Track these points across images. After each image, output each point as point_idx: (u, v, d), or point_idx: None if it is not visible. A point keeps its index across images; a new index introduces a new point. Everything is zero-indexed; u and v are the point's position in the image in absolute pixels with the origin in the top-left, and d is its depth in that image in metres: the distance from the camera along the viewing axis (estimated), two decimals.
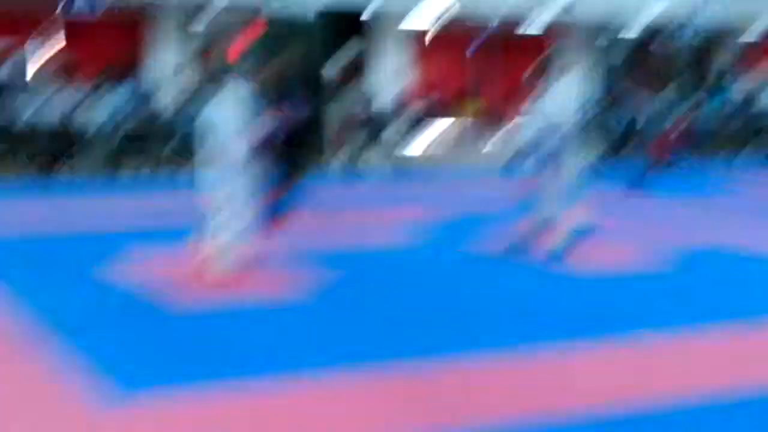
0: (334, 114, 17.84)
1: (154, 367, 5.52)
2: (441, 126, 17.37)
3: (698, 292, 7.71)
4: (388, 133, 17.12)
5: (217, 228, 7.77)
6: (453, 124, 17.47)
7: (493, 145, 12.89)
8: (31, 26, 17.93)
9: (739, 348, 6.13)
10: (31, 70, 16.41)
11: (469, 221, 10.79)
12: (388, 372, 5.44)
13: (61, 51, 18.04)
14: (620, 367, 5.67)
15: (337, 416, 4.76)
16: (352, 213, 11.79)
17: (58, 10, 14.50)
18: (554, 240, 8.62)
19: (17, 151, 14.15)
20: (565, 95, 8.62)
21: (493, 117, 20.34)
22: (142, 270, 8.14)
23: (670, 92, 25.36)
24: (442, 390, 5.16)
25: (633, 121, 17.30)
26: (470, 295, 7.48)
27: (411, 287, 7.81)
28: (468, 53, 21.72)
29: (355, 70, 20.46)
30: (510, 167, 9.00)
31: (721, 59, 23.52)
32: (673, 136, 15.88)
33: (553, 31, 22.15)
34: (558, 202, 8.74)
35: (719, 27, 21.99)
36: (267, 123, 9.56)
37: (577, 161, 8.70)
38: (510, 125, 8.92)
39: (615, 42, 24.81)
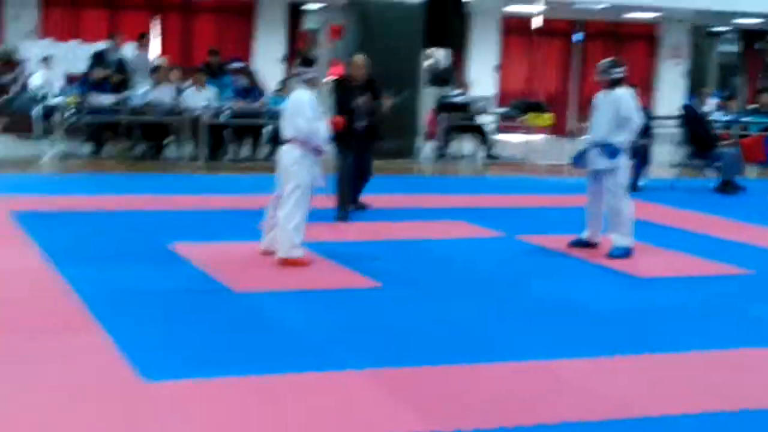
0: (430, 98, 17.77)
1: (210, 348, 5.53)
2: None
3: None
4: (483, 121, 17.00)
5: (285, 214, 7.69)
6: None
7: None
8: (153, 9, 18.63)
9: None
10: (151, 55, 16.84)
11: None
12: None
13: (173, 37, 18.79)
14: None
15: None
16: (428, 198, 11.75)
17: None
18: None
19: (132, 128, 14.54)
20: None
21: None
22: (213, 250, 8.19)
23: None
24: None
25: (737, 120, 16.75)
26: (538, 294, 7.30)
27: (479, 278, 7.66)
28: (574, 41, 21.46)
29: (455, 55, 20.40)
30: (581, 158, 8.73)
31: None
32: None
33: (659, 24, 21.77)
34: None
35: None
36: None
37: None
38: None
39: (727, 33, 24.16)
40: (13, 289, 6.73)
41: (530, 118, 16.92)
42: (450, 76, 20.94)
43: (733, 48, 24.17)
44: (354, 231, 9.50)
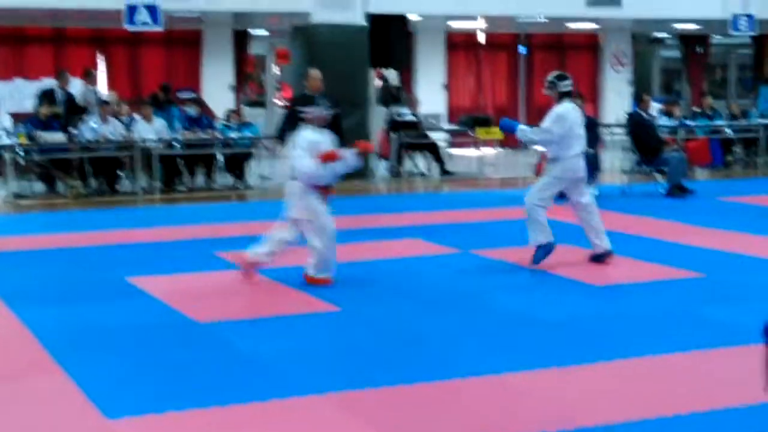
0: (381, 117, 17.91)
1: (174, 382, 5.54)
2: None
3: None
4: (435, 138, 17.14)
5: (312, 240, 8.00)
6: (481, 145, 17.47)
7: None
8: (98, 44, 18.57)
9: None
10: (99, 88, 16.81)
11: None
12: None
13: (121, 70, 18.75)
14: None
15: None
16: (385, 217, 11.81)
17: (124, 25, 14.76)
18: None
19: (83, 164, 14.45)
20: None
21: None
22: (173, 282, 8.20)
23: (724, 91, 25.06)
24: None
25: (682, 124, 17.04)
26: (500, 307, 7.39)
27: (437, 296, 7.75)
28: (519, 53, 21.69)
29: (403, 74, 20.57)
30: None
31: None
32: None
33: (602, 34, 22.09)
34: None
35: None
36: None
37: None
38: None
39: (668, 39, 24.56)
40: None
41: (480, 132, 17.08)
42: (399, 94, 21.15)
43: (675, 53, 24.57)
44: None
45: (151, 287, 7.93)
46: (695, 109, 18.86)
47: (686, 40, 23.38)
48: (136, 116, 15.24)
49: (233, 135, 15.17)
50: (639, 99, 15.08)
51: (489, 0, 17.42)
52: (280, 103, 21.20)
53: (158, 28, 15.17)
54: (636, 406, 5.03)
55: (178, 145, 14.80)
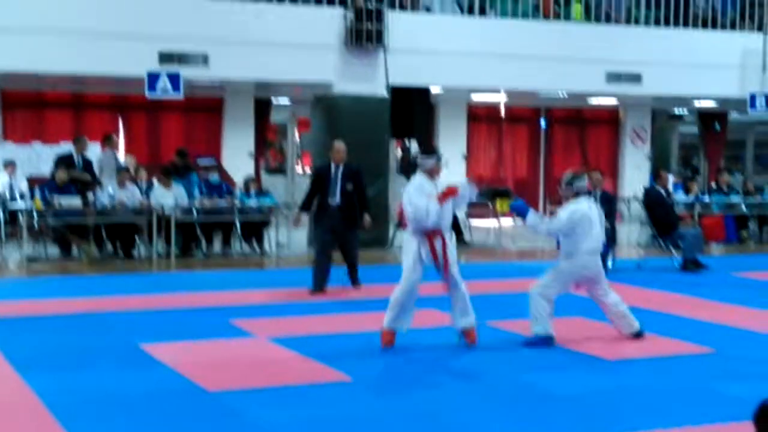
0: (401, 186, 17.98)
1: None
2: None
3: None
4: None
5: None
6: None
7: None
8: (118, 109, 18.82)
9: None
10: (118, 154, 16.99)
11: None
12: None
13: (140, 135, 18.97)
14: None
15: None
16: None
17: (146, 92, 14.99)
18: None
19: (99, 229, 14.57)
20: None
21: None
22: (186, 349, 8.20)
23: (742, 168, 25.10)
24: None
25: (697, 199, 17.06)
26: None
27: (449, 368, 7.71)
28: (540, 127, 21.83)
29: (424, 144, 20.72)
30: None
31: None
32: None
33: (621, 109, 22.23)
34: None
35: None
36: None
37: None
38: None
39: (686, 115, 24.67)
40: None
41: (498, 204, 17.13)
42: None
43: (693, 129, 24.66)
44: (324, 323, 9.55)
45: (164, 355, 7.93)
46: (712, 185, 18.91)
47: (704, 116, 23.48)
48: (155, 182, 15.39)
49: (251, 203, 15.28)
50: (656, 174, 15.14)
51: (511, 74, 17.58)
52: (300, 171, 21.35)
53: (179, 97, 15.37)
54: None
55: (196, 212, 14.91)
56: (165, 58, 15.17)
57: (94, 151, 16.31)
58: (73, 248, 14.72)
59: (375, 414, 6.34)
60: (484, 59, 17.14)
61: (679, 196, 16.82)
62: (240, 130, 19.56)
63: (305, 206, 11.79)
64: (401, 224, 16.92)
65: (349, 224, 11.57)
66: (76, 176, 15.00)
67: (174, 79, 15.01)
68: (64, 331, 9.04)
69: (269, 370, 7.52)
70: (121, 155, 17.80)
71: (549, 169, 22.25)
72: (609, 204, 13.12)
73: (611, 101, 21.66)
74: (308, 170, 19.24)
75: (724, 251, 16.37)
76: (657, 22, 18.93)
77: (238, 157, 19.25)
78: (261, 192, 15.64)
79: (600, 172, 15.03)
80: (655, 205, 14.29)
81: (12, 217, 14.55)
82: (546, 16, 18.38)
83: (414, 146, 21.19)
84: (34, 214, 14.02)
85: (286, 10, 16.03)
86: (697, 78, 18.76)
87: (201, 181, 15.80)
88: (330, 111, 16.27)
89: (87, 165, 15.50)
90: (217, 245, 15.48)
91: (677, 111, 24.63)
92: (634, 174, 22.20)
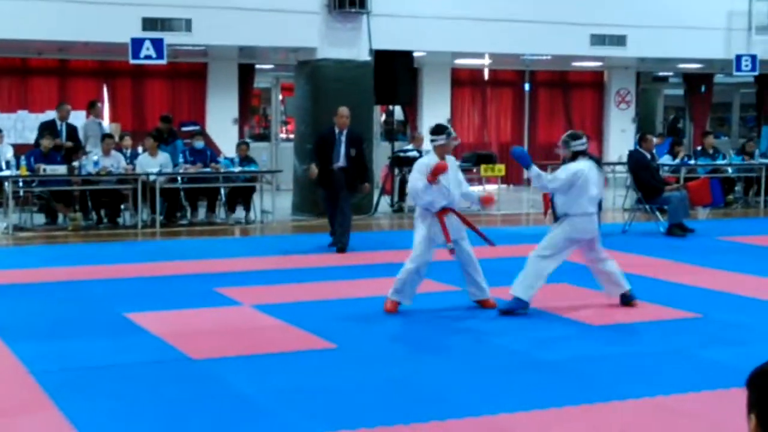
0: (384, 152, 17.97)
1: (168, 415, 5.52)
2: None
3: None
4: None
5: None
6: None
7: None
8: (103, 76, 18.67)
9: None
10: (103, 121, 16.91)
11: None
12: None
13: (125, 102, 18.84)
14: None
15: None
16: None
17: (129, 59, 14.88)
18: None
19: (84, 197, 14.55)
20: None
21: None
22: (170, 318, 8.20)
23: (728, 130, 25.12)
24: None
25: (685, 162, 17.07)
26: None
27: (434, 334, 7.73)
28: (524, 90, 21.78)
29: (407, 109, 20.66)
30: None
31: None
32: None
33: (606, 71, 22.19)
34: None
35: None
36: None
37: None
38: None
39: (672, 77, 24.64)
40: None
41: (483, 169, 17.11)
42: (403, 130, 21.24)
43: (679, 92, 24.64)
44: (310, 290, 9.55)
45: (148, 323, 7.92)
46: (698, 148, 18.92)
47: (690, 79, 23.45)
48: (140, 149, 15.31)
49: (235, 170, 15.22)
50: (642, 138, 15.10)
51: (494, 38, 17.50)
52: (283, 136, 21.26)
53: (162, 62, 15.26)
54: None
55: (181, 179, 14.85)
56: (148, 24, 15.05)
57: (80, 118, 16.21)
58: (59, 216, 14.66)
59: (359, 382, 6.35)
60: (467, 23, 17.05)
61: (664, 160, 16.82)
62: (224, 96, 19.46)
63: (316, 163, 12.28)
64: (385, 191, 16.94)
65: (349, 187, 12.06)
66: (58, 144, 14.91)
67: (157, 44, 14.90)
68: (50, 300, 9.04)
69: (254, 338, 7.52)
70: (107, 122, 17.69)
71: (533, 133, 22.21)
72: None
73: (595, 64, 21.60)
74: (292, 136, 19.14)
75: (710, 215, 16.41)
76: None
77: (222, 123, 19.17)
78: (246, 159, 15.57)
79: (586, 135, 15.01)
80: (640, 168, 14.27)
81: None
82: None
83: (397, 111, 21.18)
84: (20, 181, 13.95)
85: None
86: (682, 40, 18.71)
87: (186, 148, 15.72)
88: (314, 76, 16.19)
89: (71, 132, 15.41)
90: (201, 213, 15.44)
91: (662, 73, 24.59)
92: (619, 137, 22.20)
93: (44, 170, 13.96)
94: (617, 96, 22.64)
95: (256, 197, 15.40)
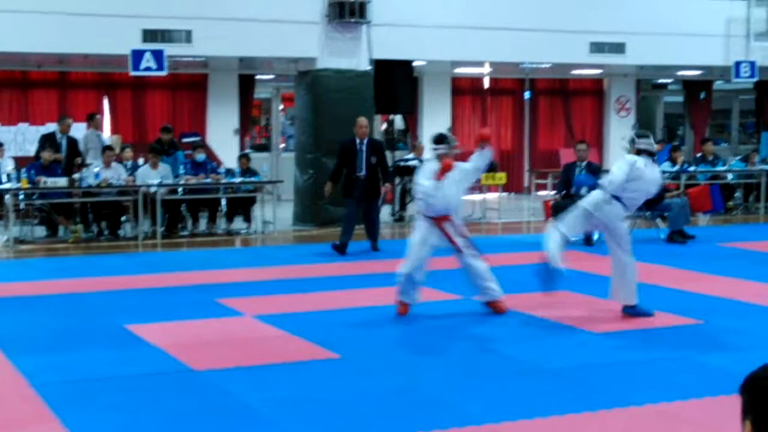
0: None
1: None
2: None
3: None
4: None
5: None
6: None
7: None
8: (103, 88, 18.68)
9: None
10: (103, 133, 16.93)
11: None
12: None
13: (126, 114, 18.86)
14: None
15: None
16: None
17: (129, 70, 14.91)
18: None
19: (85, 209, 14.56)
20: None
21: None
22: (172, 329, 8.19)
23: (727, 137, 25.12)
24: None
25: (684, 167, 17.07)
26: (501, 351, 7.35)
27: (438, 343, 7.72)
28: (524, 99, 21.81)
29: (408, 118, 20.66)
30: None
31: None
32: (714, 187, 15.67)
33: (606, 79, 22.22)
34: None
35: None
36: None
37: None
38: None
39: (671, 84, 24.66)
40: None
41: (483, 177, 17.10)
42: (404, 139, 21.24)
43: (678, 99, 24.65)
44: (311, 300, 9.54)
45: (150, 335, 7.92)
46: (698, 155, 18.91)
47: (689, 85, 23.47)
48: (141, 161, 15.31)
49: (236, 181, 15.21)
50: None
51: (494, 46, 17.52)
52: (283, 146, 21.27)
53: (162, 74, 15.28)
54: None
55: (181, 190, 14.86)
56: (149, 35, 15.07)
57: (80, 130, 16.22)
58: (60, 229, 14.66)
59: (363, 391, 6.35)
60: (467, 32, 17.07)
61: (664, 166, 16.80)
62: (224, 107, 19.48)
63: (334, 178, 12.90)
64: (387, 200, 16.93)
65: (373, 194, 12.84)
66: (59, 157, 14.92)
67: (158, 56, 14.92)
68: (51, 313, 9.03)
69: (256, 349, 7.52)
70: (107, 134, 17.70)
71: (534, 140, 22.21)
72: (595, 175, 13.11)
73: (595, 72, 21.62)
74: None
75: (711, 222, 16.42)
76: None
77: (223, 133, 19.19)
78: (248, 170, 15.58)
79: (585, 143, 15.05)
80: None
81: None
82: None
83: (398, 120, 21.19)
84: (20, 194, 13.94)
85: None
86: (681, 47, 18.73)
87: (187, 161, 15.73)
88: (314, 86, 16.20)
89: (72, 144, 15.42)
90: (202, 224, 15.44)
91: (661, 80, 24.61)
92: (620, 145, 22.18)
93: (45, 183, 13.95)
94: (617, 103, 22.66)
95: (257, 208, 15.40)
